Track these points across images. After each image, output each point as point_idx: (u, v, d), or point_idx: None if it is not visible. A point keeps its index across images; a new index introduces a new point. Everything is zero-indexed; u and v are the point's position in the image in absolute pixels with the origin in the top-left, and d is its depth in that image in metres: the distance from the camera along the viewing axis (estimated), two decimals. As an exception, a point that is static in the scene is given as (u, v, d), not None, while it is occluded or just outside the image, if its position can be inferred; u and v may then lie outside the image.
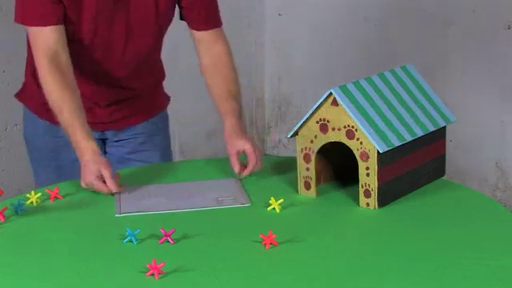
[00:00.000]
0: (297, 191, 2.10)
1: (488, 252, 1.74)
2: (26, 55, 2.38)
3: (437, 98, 2.15)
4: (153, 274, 1.67)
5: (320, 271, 1.69)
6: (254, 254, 1.77)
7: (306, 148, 2.05)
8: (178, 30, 2.39)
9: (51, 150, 2.44)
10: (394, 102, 2.04)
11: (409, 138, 2.00)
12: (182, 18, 2.37)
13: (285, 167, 2.27)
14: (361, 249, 1.80)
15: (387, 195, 2.00)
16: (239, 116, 2.29)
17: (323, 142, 2.01)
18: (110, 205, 2.06)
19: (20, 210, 2.02)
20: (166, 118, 2.58)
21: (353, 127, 1.95)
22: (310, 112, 2.01)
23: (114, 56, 2.29)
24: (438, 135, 2.12)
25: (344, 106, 1.94)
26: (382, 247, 1.79)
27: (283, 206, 2.00)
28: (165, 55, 2.48)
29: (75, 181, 2.20)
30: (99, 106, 2.39)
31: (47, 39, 2.17)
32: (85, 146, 2.13)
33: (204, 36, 2.35)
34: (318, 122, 2.00)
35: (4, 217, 1.98)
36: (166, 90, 2.58)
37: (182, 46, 2.57)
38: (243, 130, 2.26)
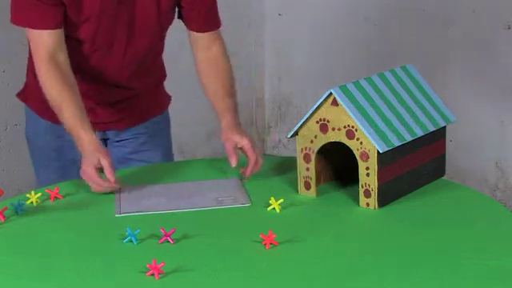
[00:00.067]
0: (297, 191, 2.10)
1: (488, 252, 1.74)
2: (25, 55, 2.38)
3: (437, 98, 2.15)
4: (153, 274, 1.67)
5: (320, 271, 1.69)
6: (254, 254, 1.77)
7: (305, 148, 2.05)
8: (178, 31, 2.39)
9: (53, 149, 2.44)
10: (394, 102, 2.04)
11: (409, 138, 2.00)
12: (179, 17, 2.37)
13: (285, 167, 2.27)
14: (361, 249, 1.80)
15: (387, 195, 2.00)
16: (235, 113, 2.29)
17: (323, 142, 2.01)
18: (109, 205, 2.06)
19: (20, 210, 2.02)
20: (167, 118, 2.58)
21: (353, 127, 1.95)
22: (310, 112, 2.01)
23: (115, 56, 2.29)
24: (438, 135, 2.12)
25: (344, 106, 1.94)
26: (382, 247, 1.79)
27: (283, 206, 2.00)
28: (165, 55, 2.48)
29: (75, 181, 2.20)
30: (100, 106, 2.39)
31: (46, 41, 2.17)
32: (84, 138, 2.13)
33: (201, 37, 2.35)
34: (318, 122, 2.00)
35: (4, 217, 1.98)
36: (166, 90, 2.58)
37: (181, 47, 2.56)
38: (240, 126, 2.26)
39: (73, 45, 2.23)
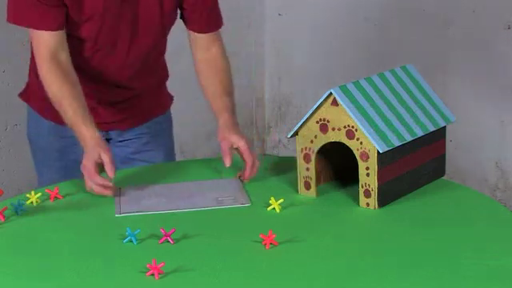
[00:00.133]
0: (297, 191, 2.10)
1: (488, 252, 1.74)
2: (26, 55, 2.38)
3: (437, 98, 2.15)
4: (153, 274, 1.67)
5: (320, 271, 1.69)
6: (254, 254, 1.77)
7: (305, 148, 2.05)
8: (178, 31, 2.39)
9: (55, 150, 2.44)
10: (394, 102, 2.04)
11: (409, 138, 2.00)
12: (180, 18, 2.37)
13: (285, 167, 2.27)
14: (361, 249, 1.80)
15: (387, 195, 2.00)
16: (233, 113, 2.28)
17: (323, 142, 2.01)
18: (110, 205, 2.06)
19: (20, 210, 2.02)
20: (169, 118, 2.58)
21: (353, 127, 1.95)
22: (310, 112, 2.01)
23: (118, 54, 2.29)
24: (438, 135, 2.12)
25: (344, 106, 1.94)
26: (382, 247, 1.79)
27: (283, 206, 2.00)
28: (165, 55, 2.48)
29: (75, 181, 2.20)
30: (103, 106, 2.39)
31: (47, 41, 2.17)
32: (86, 134, 2.12)
33: (201, 37, 2.35)
34: (318, 122, 2.00)
35: (4, 217, 1.98)
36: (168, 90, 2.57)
37: (181, 47, 2.56)
38: (237, 127, 2.25)
39: (75, 44, 2.23)
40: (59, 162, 2.44)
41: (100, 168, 2.10)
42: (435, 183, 2.13)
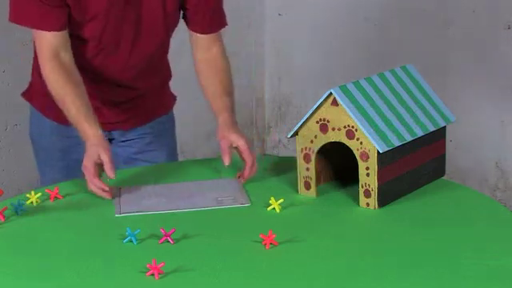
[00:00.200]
0: (297, 191, 2.10)
1: (488, 252, 1.74)
2: (25, 55, 2.38)
3: (437, 98, 2.15)
4: (153, 274, 1.67)
5: (320, 271, 1.69)
6: (254, 254, 1.77)
7: (305, 148, 2.05)
8: (178, 30, 2.39)
9: (58, 149, 2.44)
10: (394, 102, 2.04)
11: (409, 138, 2.00)
12: (183, 18, 2.36)
13: (285, 167, 2.26)
14: (361, 249, 1.80)
15: (387, 195, 2.00)
16: (233, 112, 2.28)
17: (323, 142, 2.01)
18: (110, 205, 2.06)
19: (20, 210, 2.02)
20: (172, 118, 2.58)
21: (353, 127, 1.95)
22: (310, 112, 2.00)
23: (121, 54, 2.28)
24: (438, 135, 2.12)
25: (344, 106, 1.94)
26: (382, 247, 1.79)
27: (283, 206, 2.00)
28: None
29: (75, 181, 2.20)
30: (106, 106, 2.39)
31: (50, 41, 2.17)
32: (88, 132, 2.12)
33: (202, 37, 2.35)
34: (318, 122, 2.00)
35: (4, 217, 1.98)
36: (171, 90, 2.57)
37: (181, 47, 2.56)
38: (236, 126, 2.25)
39: (78, 44, 2.23)
40: (62, 161, 2.44)
41: (101, 168, 2.10)
42: (435, 183, 2.13)
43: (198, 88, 2.39)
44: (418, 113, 2.07)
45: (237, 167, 2.21)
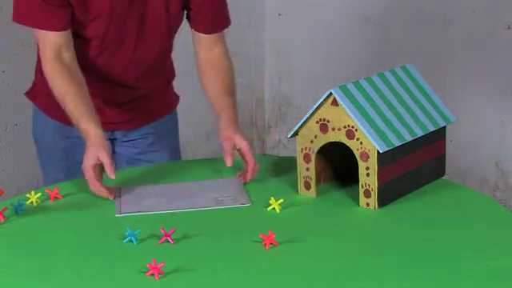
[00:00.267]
0: (297, 191, 2.10)
1: (488, 252, 1.74)
2: (26, 55, 2.38)
3: (437, 98, 2.15)
4: (153, 274, 1.67)
5: (320, 271, 1.69)
6: (254, 254, 1.77)
7: (305, 148, 2.05)
8: (180, 31, 2.38)
9: (61, 149, 2.44)
10: (394, 102, 2.04)
11: (409, 138, 2.00)
12: (186, 18, 2.36)
13: (285, 167, 2.26)
14: (361, 249, 1.80)
15: (387, 195, 2.00)
16: (235, 112, 2.27)
17: (323, 142, 2.01)
18: (110, 205, 2.06)
19: (20, 210, 2.02)
20: (175, 118, 2.57)
21: (353, 127, 1.95)
22: (310, 112, 2.00)
23: (125, 53, 2.28)
24: (438, 135, 2.12)
25: (344, 106, 1.94)
26: (382, 247, 1.79)
27: (283, 206, 2.00)
28: (165, 55, 2.48)
29: (76, 181, 2.20)
30: (109, 106, 2.39)
31: (52, 41, 2.17)
32: (89, 132, 2.11)
33: (205, 37, 2.35)
34: (318, 122, 2.00)
35: (4, 217, 1.98)
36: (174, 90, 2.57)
37: (182, 47, 2.56)
38: (238, 126, 2.24)
39: (81, 43, 2.23)
40: (64, 161, 2.44)
41: (101, 167, 2.10)
42: (435, 183, 2.13)
43: (199, 88, 2.39)
44: (418, 113, 2.07)
45: (238, 168, 2.21)
